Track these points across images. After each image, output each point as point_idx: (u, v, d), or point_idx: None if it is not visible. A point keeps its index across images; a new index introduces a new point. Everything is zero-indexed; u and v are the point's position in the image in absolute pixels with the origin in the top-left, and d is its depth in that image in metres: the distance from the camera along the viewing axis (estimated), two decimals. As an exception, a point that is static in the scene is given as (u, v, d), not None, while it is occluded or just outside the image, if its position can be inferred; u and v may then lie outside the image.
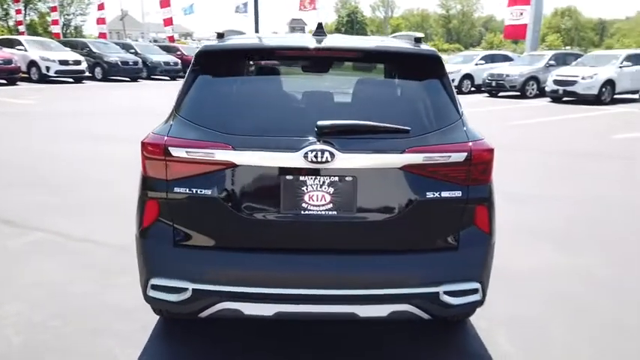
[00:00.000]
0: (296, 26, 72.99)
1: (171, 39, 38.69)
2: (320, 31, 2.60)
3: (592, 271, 3.74)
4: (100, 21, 38.43)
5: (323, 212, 2.13)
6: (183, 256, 2.23)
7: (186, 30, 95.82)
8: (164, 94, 17.78)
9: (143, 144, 2.23)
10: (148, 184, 2.24)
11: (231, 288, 2.16)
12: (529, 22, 20.48)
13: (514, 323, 2.98)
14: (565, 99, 16.11)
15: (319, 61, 2.37)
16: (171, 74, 24.24)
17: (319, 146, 2.05)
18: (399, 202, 2.14)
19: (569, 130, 10.90)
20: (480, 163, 2.18)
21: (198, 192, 2.14)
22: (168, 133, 2.19)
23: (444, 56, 3.61)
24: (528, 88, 17.56)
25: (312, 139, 2.09)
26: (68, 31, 52.81)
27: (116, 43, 25.58)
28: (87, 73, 20.53)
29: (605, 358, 2.68)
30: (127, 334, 2.84)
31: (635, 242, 4.37)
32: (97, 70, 21.65)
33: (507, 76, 17.57)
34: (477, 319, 2.96)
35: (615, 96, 15.69)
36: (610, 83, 15.41)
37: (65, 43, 22.72)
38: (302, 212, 2.13)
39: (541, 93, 17.42)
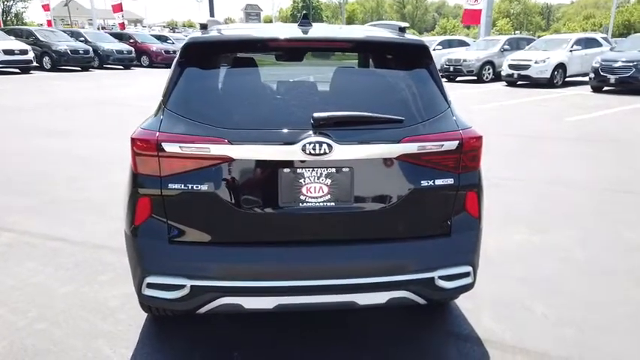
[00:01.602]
0: (251, 12, 71.91)
1: (122, 26, 37.37)
2: (305, 21, 2.59)
3: (564, 248, 3.93)
4: (45, 7, 36.58)
5: (321, 204, 2.15)
6: (180, 252, 2.20)
7: (136, 16, 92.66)
8: (121, 83, 17.25)
9: (133, 140, 2.17)
10: (139, 181, 2.19)
11: (231, 283, 2.16)
12: (483, 8, 20.94)
13: (497, 303, 3.10)
14: (520, 83, 16.65)
15: (310, 51, 2.37)
16: (125, 63, 23.51)
17: (317, 138, 2.06)
18: (394, 191, 2.18)
19: (525, 113, 11.28)
20: (469, 151, 2.25)
21: (194, 187, 2.11)
22: (159, 128, 2.14)
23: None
24: (485, 73, 18.02)
25: (308, 131, 2.09)
26: (8, 18, 49.99)
27: (64, 31, 24.49)
28: (34, 63, 19.60)
29: (581, 328, 2.83)
30: (115, 333, 2.79)
31: (599, 219, 4.60)
32: (45, 59, 20.73)
33: (464, 61, 17.97)
34: (461, 301, 3.07)
35: (566, 79, 16.33)
36: (561, 67, 16.01)
37: (9, 32, 21.58)
38: (300, 204, 2.14)
39: (497, 77, 17.92)
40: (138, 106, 11.84)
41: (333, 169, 2.13)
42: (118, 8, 37.12)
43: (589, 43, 17.08)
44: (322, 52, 2.40)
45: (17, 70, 19.25)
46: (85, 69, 21.77)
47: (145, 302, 2.32)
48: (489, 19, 22.37)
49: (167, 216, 2.18)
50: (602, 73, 14.22)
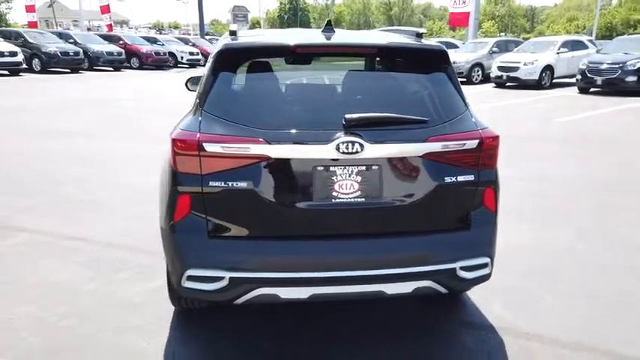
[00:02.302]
0: (239, 14, 71.82)
1: (110, 27, 37.21)
2: (329, 27, 2.74)
3: (565, 242, 4.12)
4: (29, 8, 36.17)
5: (352, 200, 2.29)
6: (219, 246, 2.32)
7: (122, 17, 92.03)
8: (113, 85, 17.23)
9: (174, 140, 2.29)
10: (179, 179, 2.31)
11: (268, 274, 2.29)
12: (471, 10, 21.27)
13: (507, 293, 3.27)
14: (508, 84, 16.97)
15: (337, 56, 2.51)
16: (115, 65, 23.44)
17: (350, 138, 2.20)
18: (419, 187, 2.33)
19: (515, 114, 11.55)
20: (488, 149, 2.41)
21: (233, 185, 2.24)
22: (199, 129, 2.27)
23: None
24: (474, 74, 18.33)
25: (340, 131, 2.23)
26: (-7, 19, 49.35)
27: (53, 33, 24.33)
28: (24, 65, 19.47)
29: (587, 316, 3.01)
30: (146, 327, 2.90)
31: (596, 216, 4.81)
32: (35, 61, 20.58)
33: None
34: (472, 292, 3.23)
35: (554, 80, 16.69)
36: (549, 68, 16.36)
37: (-3, 33, 21.41)
38: (333, 200, 2.28)
39: (485, 79, 18.23)
40: (134, 108, 11.89)
41: (364, 167, 2.27)
42: (106, 9, 36.95)
43: (575, 45, 17.47)
44: (351, 58, 2.55)
45: (6, 73, 19.09)
46: (74, 71, 21.64)
47: (184, 294, 2.43)
48: (476, 21, 22.73)
49: (206, 212, 2.31)
50: (589, 75, 14.58)
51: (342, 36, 2.66)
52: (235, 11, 72.88)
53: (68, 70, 21.55)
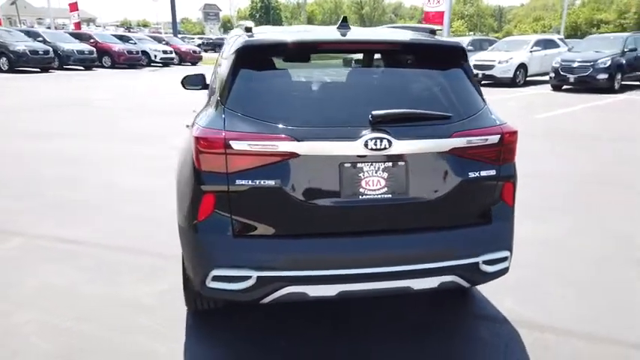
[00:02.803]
0: (210, 12, 70.95)
1: (78, 26, 36.25)
2: (344, 24, 2.73)
3: (563, 236, 4.22)
4: (-8, 6, 35.06)
5: (379, 196, 2.28)
6: (245, 245, 2.29)
7: (89, 15, 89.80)
8: (87, 85, 16.82)
9: (198, 138, 2.24)
10: (203, 177, 2.26)
11: (296, 272, 2.26)
12: (445, 10, 21.53)
13: (514, 287, 3.32)
14: (484, 82, 17.25)
15: (360, 53, 2.51)
16: (86, 64, 22.90)
17: (377, 134, 2.20)
18: (444, 182, 2.35)
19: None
20: (508, 144, 2.44)
21: (260, 183, 2.20)
22: (224, 127, 2.23)
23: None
24: (450, 73, 18.54)
25: (366, 127, 2.23)
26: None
27: (20, 31, 23.59)
28: (-9, 64, 18.85)
29: (595, 306, 3.09)
30: (160, 330, 2.84)
31: (588, 209, 4.94)
32: (2, 60, 19.93)
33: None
34: (481, 286, 3.27)
35: (527, 78, 17.08)
36: (523, 67, 16.74)
37: (-38, 32, 20.64)
38: (360, 197, 2.27)
39: (461, 77, 18.46)
40: (113, 108, 11.64)
41: (390, 163, 2.27)
42: (74, 7, 35.98)
43: (548, 44, 17.92)
44: (371, 54, 2.54)
45: (-27, 72, 18.45)
46: (44, 70, 21.06)
47: (209, 295, 2.39)
48: (448, 20, 23.04)
49: (231, 210, 2.26)
50: (562, 73, 14.97)
51: (363, 33, 2.65)
52: (206, 10, 71.97)
53: (38, 70, 20.94)
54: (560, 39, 19.34)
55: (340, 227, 2.32)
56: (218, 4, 74.46)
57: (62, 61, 21.95)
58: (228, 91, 2.35)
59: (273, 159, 2.20)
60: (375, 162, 2.25)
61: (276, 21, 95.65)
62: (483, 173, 2.39)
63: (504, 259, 2.51)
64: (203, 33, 69.30)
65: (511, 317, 2.98)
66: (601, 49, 14.97)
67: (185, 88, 4.61)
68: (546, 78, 16.36)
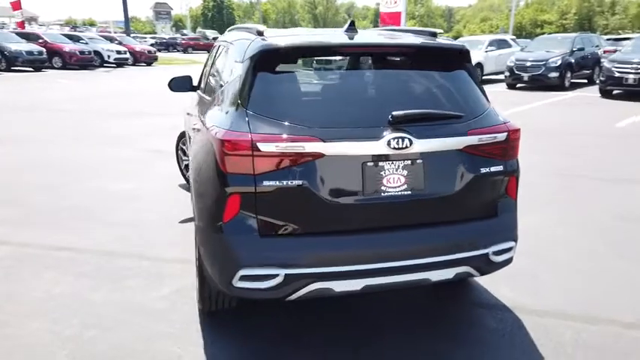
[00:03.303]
0: (161, 11, 69.31)
1: (22, 25, 34.63)
2: (352, 27, 2.83)
3: (549, 225, 4.47)
4: None
5: (399, 193, 2.39)
6: (272, 244, 2.35)
7: (30, 14, 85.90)
8: (40, 86, 16.15)
9: (223, 141, 2.28)
10: (229, 179, 2.30)
11: (322, 269, 2.34)
12: (402, 10, 22.01)
13: (508, 276, 3.50)
14: (442, 81, 17.76)
15: (373, 55, 2.61)
16: (36, 65, 21.95)
17: (399, 134, 2.31)
18: (458, 178, 2.48)
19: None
20: (513, 141, 2.61)
21: (287, 183, 2.27)
22: (250, 129, 2.28)
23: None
24: (409, 72, 18.97)
25: (386, 127, 2.33)
26: None
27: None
28: None
29: (584, 290, 3.32)
30: (176, 333, 2.84)
31: (568, 200, 5.25)
32: (-56, 62, 18.83)
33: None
34: (480, 277, 3.44)
35: (483, 77, 17.69)
36: (479, 66, 17.29)
37: None
38: (381, 194, 2.38)
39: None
40: (74, 110, 11.26)
41: (409, 161, 2.38)
42: (17, 6, 34.28)
43: (501, 44, 18.63)
44: (384, 56, 2.65)
45: None
46: (-11, 71, 20.06)
47: (236, 294, 2.43)
48: (404, 21, 23.56)
49: (257, 210, 2.32)
50: (516, 72, 15.62)
51: (374, 36, 2.76)
52: (157, 8, 70.23)
53: (-18, 71, 19.93)
54: (512, 39, 20.16)
55: (363, 224, 2.42)
56: (169, 3, 72.78)
57: (9, 62, 20.97)
58: (247, 94, 2.40)
59: (300, 159, 2.27)
60: (396, 160, 2.36)
61: (230, 20, 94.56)
62: (492, 169, 2.55)
63: (510, 249, 2.67)
64: (154, 32, 67.60)
65: (509, 304, 3.16)
66: (551, 48, 15.72)
67: (172, 91, 4.59)
68: (501, 77, 17.01)
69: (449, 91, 2.64)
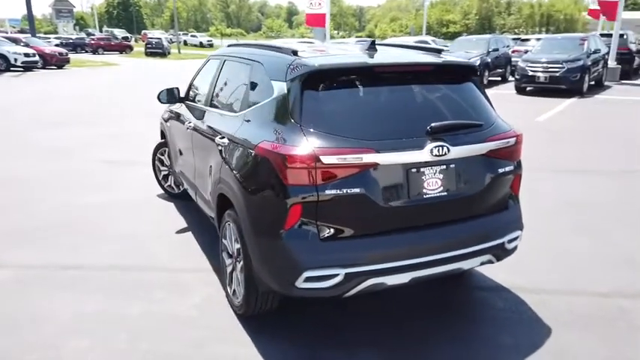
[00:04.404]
0: (62, 9, 64.97)
1: None
2: (372, 46, 3.14)
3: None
4: None
5: (436, 194, 2.73)
6: (332, 246, 2.59)
7: None
8: None
9: (286, 156, 2.49)
10: (291, 191, 2.51)
11: (377, 266, 2.63)
12: (326, 12, 22.55)
13: (507, 262, 3.93)
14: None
15: (404, 73, 2.92)
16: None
17: (440, 143, 2.65)
18: (482, 178, 2.87)
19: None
20: (519, 144, 3.04)
21: (346, 191, 2.52)
22: (310, 144, 2.50)
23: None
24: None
25: (425, 137, 2.66)
26: None
27: None
28: None
29: (572, 269, 3.86)
30: (222, 336, 2.99)
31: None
32: None
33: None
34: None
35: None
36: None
37: None
38: (423, 196, 2.70)
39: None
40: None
41: (444, 166, 2.73)
42: None
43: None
44: (413, 74, 2.98)
45: None
46: None
47: (298, 295, 2.64)
48: (329, 22, 24.19)
49: (317, 217, 2.55)
50: (440, 71, 16.65)
51: (403, 55, 3.15)
52: (58, 6, 65.71)
53: None
54: (433, 40, 21.41)
55: (408, 223, 2.73)
56: (71, 0, 68.39)
57: None
58: (300, 110, 2.63)
59: (357, 170, 2.54)
60: (434, 166, 2.70)
61: (138, 19, 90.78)
62: (507, 169, 2.97)
63: (518, 237, 3.11)
64: (56, 32, 63.31)
65: (509, 286, 3.61)
66: (469, 49, 16.95)
67: (161, 102, 4.64)
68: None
69: (466, 102, 3.01)
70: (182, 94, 4.58)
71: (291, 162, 2.50)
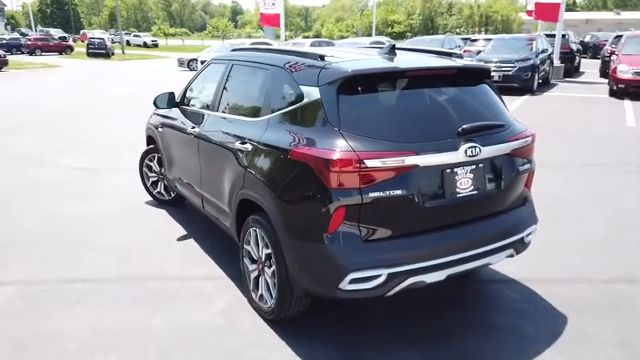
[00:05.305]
0: None
1: None
2: (392, 50, 3.21)
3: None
4: None
5: (468, 193, 2.83)
6: (375, 247, 2.63)
7: None
8: None
9: (330, 160, 2.51)
10: (335, 195, 2.54)
11: (417, 265, 2.69)
12: (281, 12, 22.51)
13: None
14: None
15: (430, 77, 3.00)
16: None
17: (473, 144, 2.75)
18: (506, 176, 2.99)
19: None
20: (533, 143, 3.19)
21: (388, 193, 2.58)
22: (352, 148, 2.54)
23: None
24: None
25: (458, 138, 2.76)
26: None
27: None
28: None
29: (575, 261, 4.08)
30: (254, 342, 2.98)
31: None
32: None
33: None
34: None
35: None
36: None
37: None
38: (457, 195, 2.79)
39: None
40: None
41: (474, 166, 2.83)
42: None
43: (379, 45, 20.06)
44: (438, 77, 3.07)
45: None
46: None
47: (342, 296, 2.66)
48: (284, 22, 24.16)
49: (360, 219, 2.59)
50: (397, 71, 17.01)
51: (428, 59, 3.29)
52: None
53: None
54: (388, 41, 21.80)
55: (445, 221, 2.82)
56: (1, -1, 64.60)
57: None
58: (337, 115, 2.65)
59: (399, 172, 2.59)
60: (466, 166, 2.80)
61: (76, 17, 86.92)
62: (525, 166, 3.12)
63: (534, 231, 3.27)
64: (-14, 32, 59.53)
65: (517, 277, 3.78)
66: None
67: (157, 107, 4.56)
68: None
69: (485, 103, 3.13)
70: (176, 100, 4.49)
71: (335, 166, 2.52)
